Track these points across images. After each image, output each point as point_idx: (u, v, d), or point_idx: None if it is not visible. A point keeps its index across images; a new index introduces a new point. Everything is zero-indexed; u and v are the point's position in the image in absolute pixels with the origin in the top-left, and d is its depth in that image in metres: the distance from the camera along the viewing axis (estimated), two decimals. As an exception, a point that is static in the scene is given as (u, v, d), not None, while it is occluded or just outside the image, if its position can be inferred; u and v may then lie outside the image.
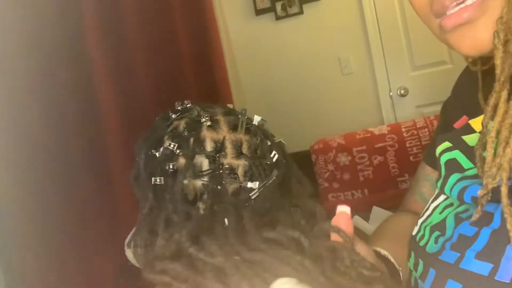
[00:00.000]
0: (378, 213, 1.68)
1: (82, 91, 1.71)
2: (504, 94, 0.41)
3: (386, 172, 2.06)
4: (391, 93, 2.45)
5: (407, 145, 2.06)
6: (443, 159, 0.52)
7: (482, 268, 0.40)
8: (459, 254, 0.43)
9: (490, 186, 0.40)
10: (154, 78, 1.88)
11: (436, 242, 0.48)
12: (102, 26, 1.74)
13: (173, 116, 0.64)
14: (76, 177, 1.67)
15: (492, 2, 0.43)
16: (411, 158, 2.05)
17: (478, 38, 0.44)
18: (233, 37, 2.48)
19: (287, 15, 2.46)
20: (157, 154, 0.60)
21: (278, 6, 2.46)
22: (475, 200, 0.44)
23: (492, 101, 0.42)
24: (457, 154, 0.50)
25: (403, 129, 2.10)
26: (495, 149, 0.41)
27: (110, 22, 1.78)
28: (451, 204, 0.50)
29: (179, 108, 0.65)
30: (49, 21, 1.66)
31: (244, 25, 2.51)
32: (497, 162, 0.40)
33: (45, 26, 1.64)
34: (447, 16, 0.46)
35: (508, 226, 0.38)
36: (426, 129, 2.06)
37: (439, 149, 0.54)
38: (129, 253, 0.95)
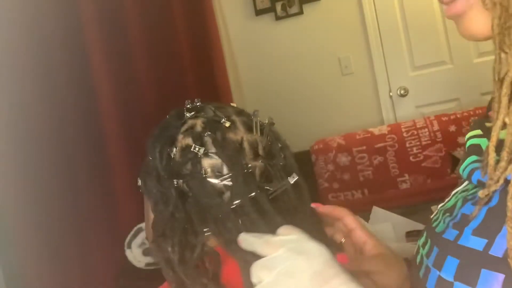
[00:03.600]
0: (378, 213, 1.68)
1: (83, 91, 1.71)
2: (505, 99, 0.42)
3: (386, 172, 2.06)
4: (391, 93, 2.45)
5: (407, 145, 2.05)
6: (469, 143, 0.54)
7: (478, 243, 0.43)
8: (458, 232, 0.46)
9: (492, 189, 0.42)
10: (154, 78, 1.88)
11: (444, 222, 0.51)
12: (103, 27, 1.74)
13: (187, 114, 0.63)
14: (76, 178, 1.67)
15: None
16: (411, 158, 2.05)
17: (469, 30, 0.46)
18: (233, 37, 2.48)
19: (287, 15, 2.46)
20: (173, 154, 0.60)
21: (278, 6, 2.46)
22: (480, 182, 0.47)
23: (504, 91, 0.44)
24: (483, 142, 0.52)
25: (403, 129, 2.10)
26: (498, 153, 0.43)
27: (111, 23, 1.78)
28: (466, 190, 0.52)
29: (188, 106, 0.65)
30: (51, 23, 1.66)
31: (244, 25, 2.50)
32: (500, 166, 0.41)
33: (47, 27, 1.64)
34: (446, 6, 0.48)
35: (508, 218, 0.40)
36: (426, 129, 2.06)
37: (469, 134, 0.55)
38: (129, 253, 0.95)
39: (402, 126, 2.12)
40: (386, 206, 1.69)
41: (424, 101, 2.42)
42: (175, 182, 0.59)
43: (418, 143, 2.05)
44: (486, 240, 0.42)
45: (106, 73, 1.73)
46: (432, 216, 0.56)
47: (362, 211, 1.69)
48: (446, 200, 0.56)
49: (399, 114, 2.45)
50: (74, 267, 1.59)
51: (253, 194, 0.58)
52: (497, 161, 0.43)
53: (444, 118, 2.08)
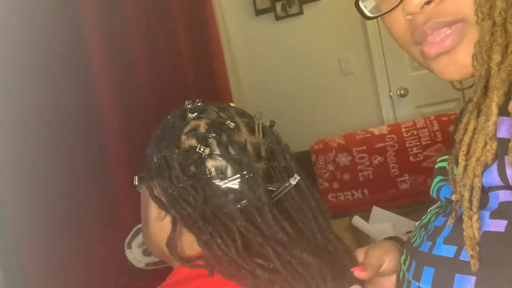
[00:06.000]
0: (378, 213, 1.68)
1: (83, 91, 1.71)
2: (474, 112, 0.45)
3: (386, 172, 2.06)
4: (391, 93, 2.45)
5: (407, 145, 2.05)
6: (437, 166, 0.57)
7: (448, 251, 0.45)
8: (431, 243, 0.49)
9: (465, 194, 0.43)
10: (154, 78, 1.88)
11: (420, 237, 0.53)
12: (103, 27, 1.74)
13: (190, 115, 0.63)
14: (76, 178, 1.67)
15: (470, 28, 0.45)
16: (411, 158, 2.04)
17: (460, 64, 0.47)
18: (233, 37, 2.48)
19: (287, 15, 2.46)
20: (177, 155, 0.60)
21: (278, 6, 2.46)
22: (447, 200, 0.50)
23: (465, 119, 0.46)
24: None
25: (403, 129, 2.09)
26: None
27: (111, 23, 1.78)
28: (440, 207, 0.55)
29: (189, 106, 0.65)
30: (51, 22, 1.66)
31: (244, 25, 2.50)
32: (468, 173, 0.44)
33: (47, 27, 1.64)
34: (429, 44, 0.48)
35: (464, 225, 0.42)
36: (426, 129, 2.06)
37: (439, 159, 0.58)
38: (129, 253, 0.95)
39: (402, 126, 2.12)
40: (386, 206, 1.69)
41: (424, 101, 2.42)
42: (191, 181, 0.59)
43: (418, 143, 2.05)
44: (456, 247, 0.45)
45: (106, 73, 1.73)
46: (411, 234, 0.59)
47: (362, 211, 1.69)
48: (423, 217, 0.58)
49: (399, 114, 2.45)
50: (74, 267, 1.59)
51: (265, 193, 0.58)
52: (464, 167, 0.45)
53: (444, 118, 2.08)
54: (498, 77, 0.42)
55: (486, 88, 0.44)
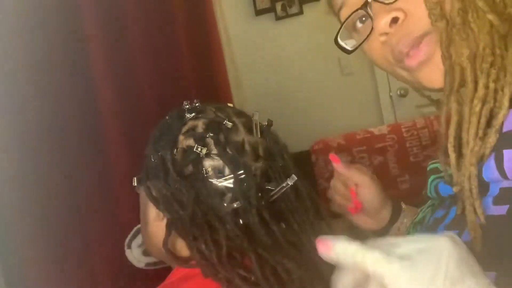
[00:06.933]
0: (378, 213, 1.68)
1: (83, 91, 1.71)
2: (455, 105, 0.47)
3: (386, 172, 2.06)
4: (391, 93, 2.45)
5: (407, 145, 2.05)
6: (429, 167, 0.61)
7: None
8: (431, 232, 0.49)
9: (466, 185, 0.45)
10: (154, 78, 1.88)
11: (417, 231, 0.56)
12: (103, 26, 1.74)
13: (188, 115, 0.63)
14: (76, 177, 1.67)
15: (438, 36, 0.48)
16: (411, 158, 2.04)
17: (431, 76, 0.50)
18: (233, 37, 2.48)
19: (287, 15, 2.46)
20: (176, 155, 0.60)
21: (278, 6, 2.46)
22: (450, 196, 0.52)
23: (444, 113, 0.49)
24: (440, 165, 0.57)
25: (403, 129, 2.10)
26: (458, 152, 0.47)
27: (111, 22, 1.78)
28: (433, 205, 0.57)
29: (187, 106, 0.65)
30: (52, 24, 1.66)
31: (244, 25, 2.50)
32: (466, 164, 0.45)
33: (47, 29, 1.64)
34: (408, 57, 0.51)
35: (467, 212, 0.44)
36: (426, 129, 2.06)
37: (430, 162, 0.62)
38: (129, 253, 0.95)
39: (402, 126, 2.12)
40: (386, 206, 1.69)
41: (424, 101, 2.40)
42: (185, 183, 0.59)
43: (418, 143, 2.05)
44: (457, 231, 0.46)
45: (105, 73, 1.73)
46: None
47: (362, 211, 1.69)
48: (415, 217, 0.61)
49: (399, 114, 2.45)
50: (74, 267, 1.59)
51: (255, 195, 0.58)
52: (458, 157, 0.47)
53: (444, 118, 2.08)
54: (508, 72, 0.44)
55: (461, 83, 0.46)
